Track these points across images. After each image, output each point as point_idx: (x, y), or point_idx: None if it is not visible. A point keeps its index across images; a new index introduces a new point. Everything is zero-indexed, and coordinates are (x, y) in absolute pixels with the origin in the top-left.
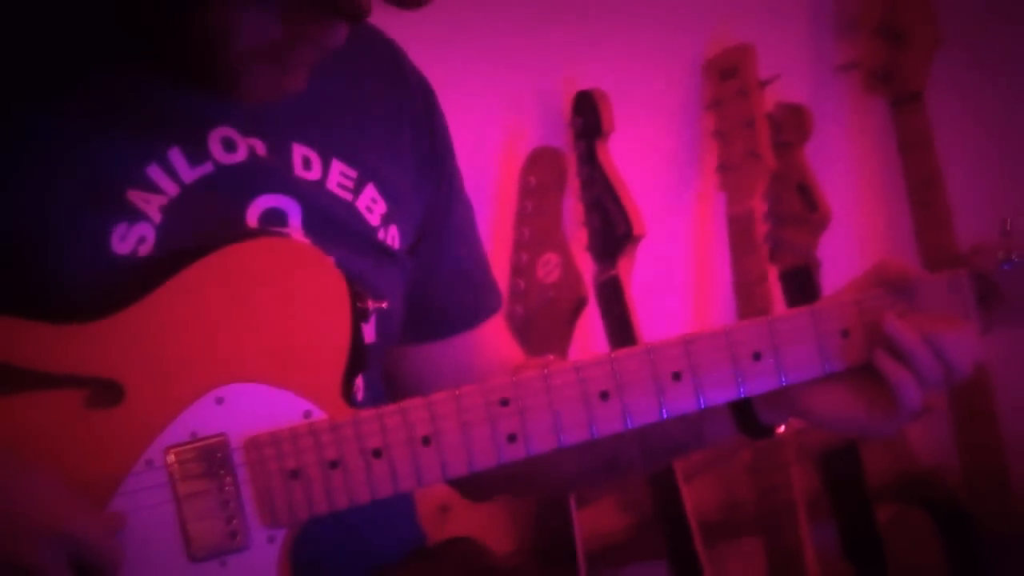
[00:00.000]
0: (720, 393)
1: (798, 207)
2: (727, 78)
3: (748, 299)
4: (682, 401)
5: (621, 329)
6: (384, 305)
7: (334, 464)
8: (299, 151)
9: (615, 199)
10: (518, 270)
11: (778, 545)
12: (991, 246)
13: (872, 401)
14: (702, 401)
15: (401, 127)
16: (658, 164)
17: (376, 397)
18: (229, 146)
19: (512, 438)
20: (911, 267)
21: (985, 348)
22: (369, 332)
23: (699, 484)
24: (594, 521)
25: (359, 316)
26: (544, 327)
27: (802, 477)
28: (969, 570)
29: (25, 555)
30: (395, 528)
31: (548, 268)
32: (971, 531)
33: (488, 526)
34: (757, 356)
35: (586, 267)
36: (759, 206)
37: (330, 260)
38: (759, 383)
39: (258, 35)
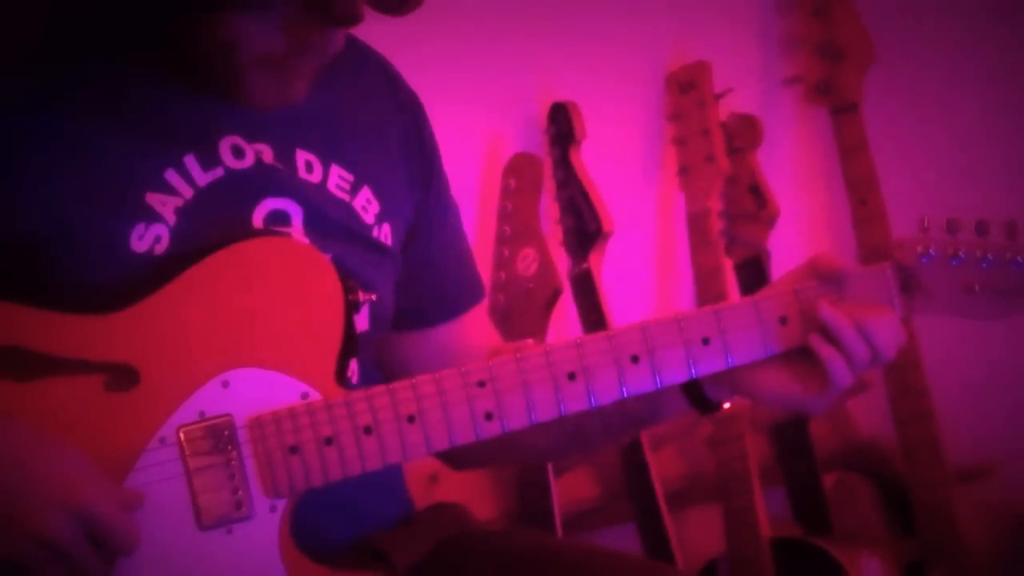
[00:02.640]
0: (674, 374)
1: (750, 206)
2: (686, 91)
3: (706, 288)
4: (640, 381)
5: (593, 317)
6: (374, 297)
7: (329, 440)
8: (302, 156)
9: (587, 200)
10: (500, 263)
11: (735, 509)
12: (912, 241)
13: (807, 381)
14: (658, 381)
15: (393, 136)
16: (625, 168)
17: (370, 382)
18: (238, 153)
19: (489, 416)
20: (841, 260)
21: (916, 330)
22: (363, 322)
23: (664, 455)
24: (570, 489)
25: (351, 307)
26: (523, 315)
27: (756, 448)
28: (904, 529)
29: (43, 528)
30: (385, 497)
31: (527, 262)
32: (906, 494)
33: (474, 494)
34: (706, 341)
35: (561, 261)
36: (715, 205)
37: (325, 257)
38: (708, 365)
39: (263, 45)
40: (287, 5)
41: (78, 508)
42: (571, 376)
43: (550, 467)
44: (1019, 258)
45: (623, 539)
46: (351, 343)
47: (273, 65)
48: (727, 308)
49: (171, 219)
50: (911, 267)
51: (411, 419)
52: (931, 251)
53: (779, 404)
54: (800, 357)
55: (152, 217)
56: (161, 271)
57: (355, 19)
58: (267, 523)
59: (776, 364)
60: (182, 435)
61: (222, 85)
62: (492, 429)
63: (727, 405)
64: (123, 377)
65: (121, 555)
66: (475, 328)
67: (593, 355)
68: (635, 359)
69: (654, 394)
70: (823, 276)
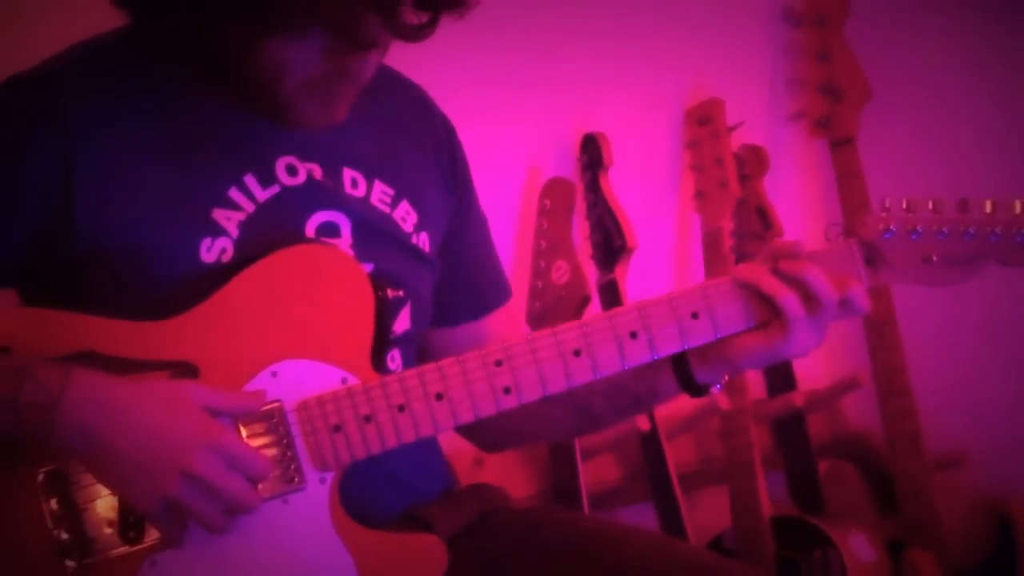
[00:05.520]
0: (668, 346)
1: (757, 226)
2: (702, 124)
3: None
4: (639, 354)
5: None
6: (401, 293)
7: (367, 418)
8: (348, 174)
9: (613, 219)
10: (537, 273)
11: (740, 491)
12: (875, 219)
13: (770, 330)
14: (654, 354)
15: (428, 154)
16: (648, 191)
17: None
18: (291, 171)
19: (507, 390)
20: (800, 241)
21: (902, 336)
22: (404, 321)
23: (678, 443)
24: (595, 472)
25: (381, 303)
26: (556, 320)
27: (759, 438)
28: (887, 510)
29: (193, 465)
30: (428, 473)
31: (560, 272)
32: (890, 480)
33: (513, 475)
34: (695, 315)
35: (590, 272)
36: (727, 225)
37: (354, 260)
38: (698, 337)
39: (304, 71)
40: (322, 32)
41: (220, 444)
42: (577, 352)
43: (578, 452)
44: (971, 229)
45: (642, 516)
46: (384, 335)
47: (315, 89)
48: (712, 285)
49: (234, 232)
50: (875, 242)
51: (439, 396)
52: (892, 227)
53: (760, 361)
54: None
55: (218, 231)
56: (224, 278)
57: (373, 45)
58: (318, 493)
59: (749, 331)
60: (240, 421)
61: (271, 108)
62: (510, 402)
63: (716, 388)
64: (184, 373)
65: (258, 483)
66: (502, 325)
67: (596, 333)
68: (633, 335)
69: (650, 376)
70: (784, 256)
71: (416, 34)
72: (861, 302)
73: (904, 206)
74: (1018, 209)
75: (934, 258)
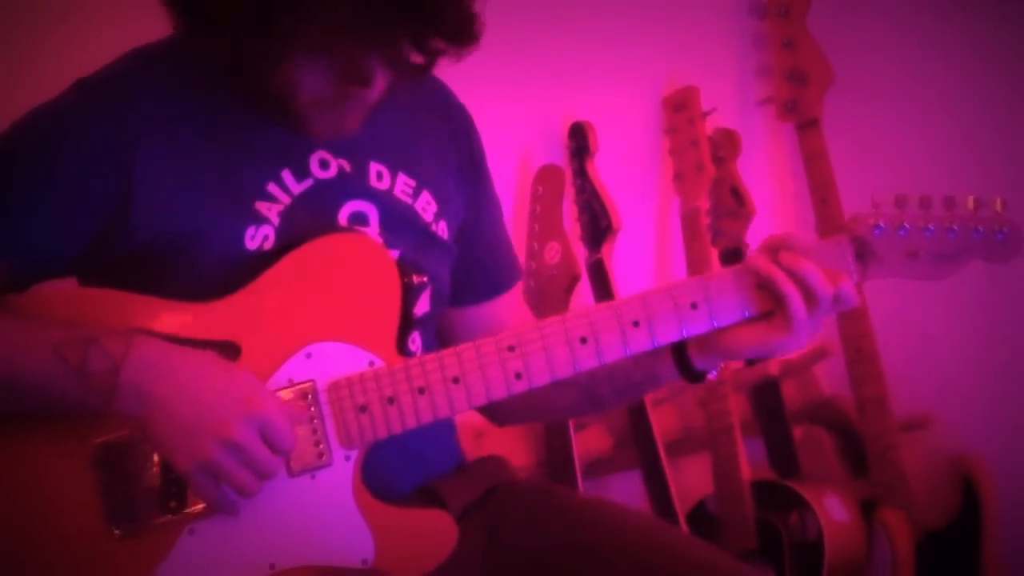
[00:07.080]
0: (668, 334)
1: (731, 205)
2: (679, 111)
3: (696, 273)
4: (641, 342)
5: (605, 298)
6: (425, 279)
7: (391, 400)
8: (374, 167)
9: (599, 202)
10: (531, 255)
11: (721, 457)
12: (865, 216)
13: (771, 326)
14: (655, 342)
15: (447, 146)
16: (630, 175)
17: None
18: (324, 165)
19: (518, 375)
20: (797, 234)
21: (868, 304)
22: (424, 304)
23: (663, 412)
24: (587, 442)
25: (407, 290)
26: (549, 297)
27: (738, 406)
28: (859, 472)
29: (232, 434)
30: (442, 450)
31: (552, 253)
32: (860, 443)
33: (512, 446)
34: (694, 305)
35: (579, 252)
36: (703, 205)
37: (384, 248)
38: (697, 326)
39: (315, 92)
40: (328, 62)
41: (257, 418)
42: (583, 339)
43: (571, 424)
44: (955, 226)
45: (630, 483)
46: (408, 319)
47: (325, 107)
48: (712, 276)
49: (276, 221)
50: (864, 237)
51: (456, 380)
52: (881, 223)
53: (756, 353)
54: (767, 315)
55: (261, 220)
56: (266, 263)
57: (368, 82)
58: (343, 470)
59: (748, 324)
60: None
61: (288, 121)
62: (521, 386)
63: (712, 375)
64: (227, 351)
65: (285, 456)
66: (510, 306)
67: (601, 321)
68: (636, 323)
69: (651, 362)
70: (782, 248)
71: (415, 73)
72: (851, 298)
73: (894, 202)
74: (999, 207)
75: (920, 253)
